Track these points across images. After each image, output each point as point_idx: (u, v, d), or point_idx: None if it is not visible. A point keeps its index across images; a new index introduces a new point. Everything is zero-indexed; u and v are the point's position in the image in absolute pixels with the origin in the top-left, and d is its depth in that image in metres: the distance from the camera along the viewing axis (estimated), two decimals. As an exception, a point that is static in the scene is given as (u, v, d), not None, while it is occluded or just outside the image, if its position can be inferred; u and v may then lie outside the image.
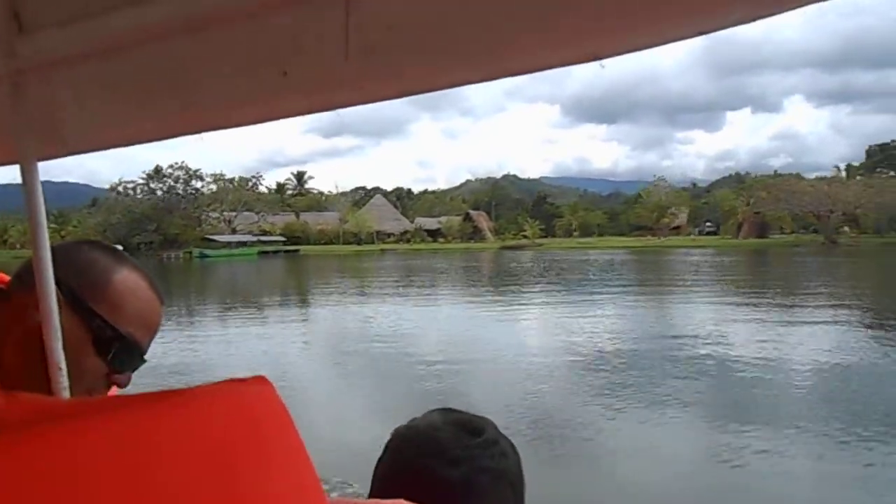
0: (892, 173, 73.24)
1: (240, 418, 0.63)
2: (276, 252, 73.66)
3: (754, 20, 0.95)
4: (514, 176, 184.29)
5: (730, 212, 76.90)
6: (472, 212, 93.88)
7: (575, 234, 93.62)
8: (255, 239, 77.21)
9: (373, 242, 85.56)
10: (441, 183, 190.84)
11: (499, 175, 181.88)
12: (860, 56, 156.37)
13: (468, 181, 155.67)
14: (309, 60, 1.04)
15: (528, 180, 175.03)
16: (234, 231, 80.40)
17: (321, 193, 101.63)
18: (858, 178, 76.16)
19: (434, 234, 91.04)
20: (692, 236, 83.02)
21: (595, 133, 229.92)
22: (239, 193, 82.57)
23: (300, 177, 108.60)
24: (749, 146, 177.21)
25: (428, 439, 0.83)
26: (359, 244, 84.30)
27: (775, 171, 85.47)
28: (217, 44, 0.99)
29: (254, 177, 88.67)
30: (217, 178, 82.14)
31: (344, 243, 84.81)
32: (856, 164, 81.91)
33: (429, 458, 0.81)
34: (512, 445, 0.85)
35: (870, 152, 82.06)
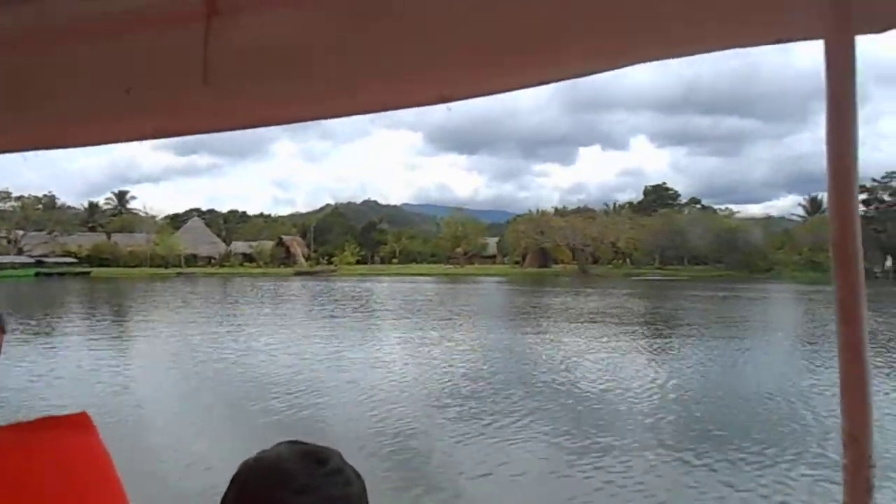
0: (662, 211, 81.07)
1: (54, 461, 0.57)
2: (61, 274, 71.39)
3: (584, 75, 1.16)
4: (375, 201, 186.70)
5: (515, 243, 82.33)
6: (285, 237, 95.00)
7: (394, 260, 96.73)
8: (32, 260, 74.43)
9: (180, 265, 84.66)
10: (301, 206, 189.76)
11: (360, 200, 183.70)
12: (696, 102, 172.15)
13: (328, 205, 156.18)
14: (163, 83, 1.05)
15: (390, 206, 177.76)
16: (20, 251, 77.19)
17: (136, 214, 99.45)
18: (633, 215, 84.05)
19: (250, 258, 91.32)
20: (502, 265, 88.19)
21: (456, 162, 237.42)
22: (27, 212, 79.53)
23: (121, 196, 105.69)
24: (599, 181, 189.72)
25: (275, 470, 0.84)
26: (166, 267, 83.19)
27: (582, 206, 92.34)
28: (60, 59, 0.96)
29: (45, 195, 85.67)
30: (2, 197, 78.83)
31: (153, 266, 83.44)
32: (636, 202, 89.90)
33: (276, 489, 0.83)
34: (357, 473, 0.89)
35: (646, 192, 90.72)
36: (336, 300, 36.74)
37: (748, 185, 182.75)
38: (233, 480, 0.87)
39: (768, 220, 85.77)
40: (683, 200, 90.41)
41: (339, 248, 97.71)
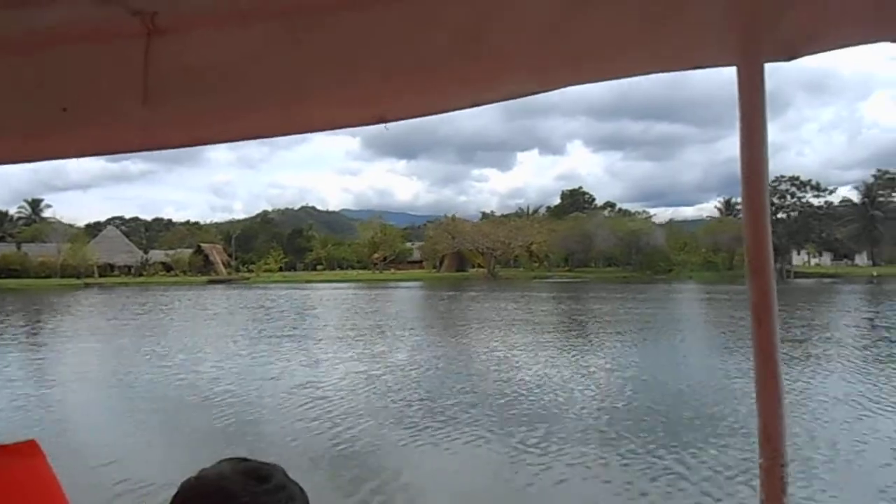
0: (573, 215, 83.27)
1: (4, 490, 0.56)
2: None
3: (517, 97, 1.22)
4: (314, 207, 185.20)
5: (432, 247, 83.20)
6: (204, 245, 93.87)
7: (320, 267, 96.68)
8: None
9: (93, 276, 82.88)
10: (239, 213, 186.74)
11: (298, 206, 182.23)
12: (630, 108, 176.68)
13: (265, 211, 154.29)
14: (101, 100, 1.04)
15: (328, 212, 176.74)
16: None
17: (50, 223, 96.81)
18: (550, 219, 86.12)
19: (169, 267, 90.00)
20: (421, 269, 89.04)
21: (395, 167, 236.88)
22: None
23: (35, 205, 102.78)
24: (537, 185, 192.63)
25: (217, 489, 0.84)
26: (78, 277, 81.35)
27: (520, 210, 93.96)
28: None
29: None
30: None
31: (63, 276, 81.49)
32: (553, 206, 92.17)
33: None
34: (300, 488, 0.89)
35: (563, 196, 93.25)
36: (215, 313, 36.72)
37: (681, 188, 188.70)
38: (173, 500, 0.86)
39: (682, 222, 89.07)
40: (599, 204, 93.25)
41: (264, 255, 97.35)
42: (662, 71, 1.18)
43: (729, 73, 1.06)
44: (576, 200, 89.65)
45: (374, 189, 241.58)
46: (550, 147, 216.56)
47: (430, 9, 0.96)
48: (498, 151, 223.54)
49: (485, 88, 1.19)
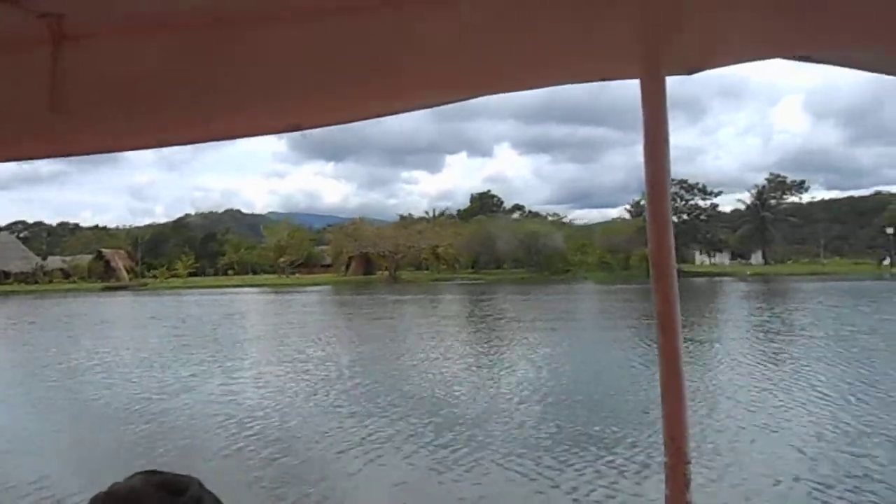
0: (483, 217, 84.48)
1: None
2: None
3: (429, 107, 1.22)
4: (238, 210, 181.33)
5: (335, 251, 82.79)
6: (105, 251, 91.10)
7: (230, 272, 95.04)
8: None
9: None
10: (160, 216, 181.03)
11: (222, 209, 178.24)
12: (555, 112, 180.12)
13: (188, 215, 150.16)
14: (7, 108, 1.00)
15: (253, 215, 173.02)
16: None
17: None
18: (460, 221, 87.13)
19: (67, 273, 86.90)
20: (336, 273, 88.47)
21: (323, 170, 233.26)
22: None
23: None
24: (467, 187, 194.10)
25: None
26: (-31, 285, 77.80)
27: (440, 213, 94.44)
28: None
29: None
30: None
31: (-47, 284, 77.80)
32: (462, 209, 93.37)
33: None
34: (217, 500, 0.85)
35: (472, 199, 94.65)
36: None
37: (606, 189, 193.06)
38: None
39: (586, 224, 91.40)
40: (508, 206, 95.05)
41: (174, 260, 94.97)
42: (572, 82, 1.24)
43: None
44: (485, 203, 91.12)
45: (302, 191, 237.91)
46: (479, 149, 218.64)
47: (347, 23, 0.96)
48: (427, 154, 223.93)
49: (397, 98, 1.24)
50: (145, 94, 1.06)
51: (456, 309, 36.20)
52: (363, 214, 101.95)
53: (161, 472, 0.86)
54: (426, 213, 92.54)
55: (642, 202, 73.10)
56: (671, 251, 1.06)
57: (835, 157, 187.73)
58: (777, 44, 1.10)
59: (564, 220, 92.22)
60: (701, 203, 77.45)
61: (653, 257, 1.04)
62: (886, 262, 75.59)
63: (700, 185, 75.82)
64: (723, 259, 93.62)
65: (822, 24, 1.02)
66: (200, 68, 1.01)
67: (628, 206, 79.62)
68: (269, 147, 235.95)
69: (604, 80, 1.17)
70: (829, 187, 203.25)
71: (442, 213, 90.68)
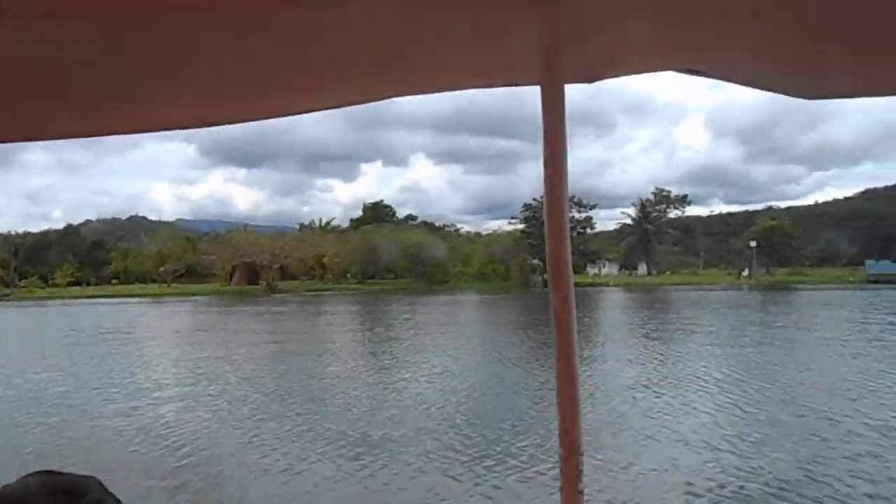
0: (369, 227, 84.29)
1: None
2: None
3: (341, 107, 1.24)
4: (144, 217, 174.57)
5: (211, 260, 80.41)
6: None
7: (114, 281, 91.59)
8: None
9: None
10: (59, 221, 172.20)
11: (126, 215, 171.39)
12: (469, 123, 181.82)
13: (88, 221, 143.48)
14: None
15: (162, 222, 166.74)
16: None
17: None
18: (352, 231, 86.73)
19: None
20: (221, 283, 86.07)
21: (235, 176, 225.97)
22: None
23: None
24: (382, 196, 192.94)
25: None
26: None
27: (302, 225, 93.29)
28: None
29: None
30: None
31: None
32: (354, 218, 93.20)
33: None
34: (118, 501, 0.80)
35: (365, 208, 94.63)
36: None
37: (520, 200, 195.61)
38: None
39: (476, 234, 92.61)
40: (401, 216, 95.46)
41: (55, 269, 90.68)
42: (476, 87, 1.24)
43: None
44: (377, 213, 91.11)
45: (213, 198, 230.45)
46: (394, 159, 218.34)
47: (258, 17, 0.95)
48: (342, 162, 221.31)
49: (308, 97, 1.23)
50: (53, 81, 1.03)
51: (282, 322, 35.90)
52: (276, 222, 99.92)
53: (59, 473, 0.79)
54: (312, 221, 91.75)
55: (524, 213, 74.14)
56: (568, 253, 1.08)
57: (733, 174, 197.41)
58: (669, 56, 1.15)
59: (470, 230, 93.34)
60: (576, 215, 79.76)
61: (550, 259, 1.07)
62: (745, 273, 79.93)
63: (576, 199, 78.08)
64: (612, 269, 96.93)
65: (708, 40, 1.07)
66: (109, 58, 0.98)
67: (511, 218, 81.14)
68: (178, 152, 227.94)
69: (507, 85, 1.20)
70: (729, 202, 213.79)
71: (328, 223, 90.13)
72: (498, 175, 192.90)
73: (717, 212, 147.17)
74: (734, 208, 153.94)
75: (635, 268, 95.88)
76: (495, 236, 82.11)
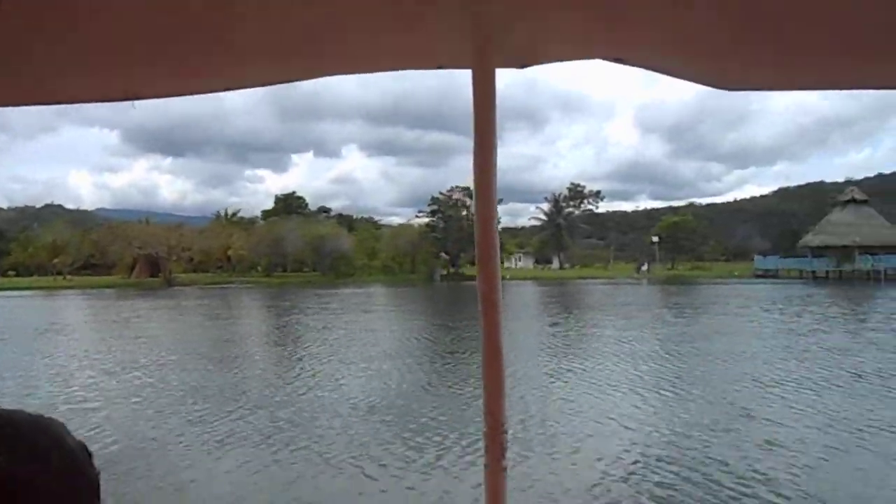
0: (276, 219, 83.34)
1: None
2: None
3: (269, 84, 1.22)
4: (60, 206, 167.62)
5: (102, 252, 77.91)
6: None
7: (11, 273, 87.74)
8: None
9: None
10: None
11: (41, 204, 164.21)
12: (403, 115, 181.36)
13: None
14: None
15: (80, 211, 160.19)
16: None
17: None
18: (263, 222, 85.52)
19: None
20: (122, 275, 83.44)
21: (161, 165, 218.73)
22: None
23: None
24: (313, 187, 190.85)
25: None
26: None
27: (232, 213, 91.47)
28: None
29: None
30: None
31: None
32: (266, 210, 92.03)
33: None
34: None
35: (276, 200, 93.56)
36: None
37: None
38: None
39: (399, 227, 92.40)
40: (314, 208, 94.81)
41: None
42: (408, 68, 1.22)
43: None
44: (289, 204, 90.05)
45: (137, 187, 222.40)
46: (326, 150, 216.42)
47: None
48: (272, 152, 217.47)
49: (236, 74, 1.19)
50: None
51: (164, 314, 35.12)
52: (203, 213, 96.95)
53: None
54: (218, 213, 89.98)
55: (430, 207, 74.11)
56: (495, 239, 1.09)
57: (660, 170, 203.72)
58: (598, 45, 1.15)
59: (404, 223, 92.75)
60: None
61: (479, 244, 1.08)
62: (644, 267, 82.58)
63: (482, 193, 78.96)
64: (527, 263, 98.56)
65: (635, 29, 1.08)
66: (29, 25, 0.96)
67: (419, 212, 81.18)
68: (99, 139, 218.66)
69: (439, 68, 1.18)
70: (655, 198, 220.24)
71: (234, 214, 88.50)
72: (431, 168, 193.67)
73: (642, 207, 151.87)
74: (659, 204, 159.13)
75: (549, 261, 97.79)
76: (402, 229, 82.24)
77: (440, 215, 76.04)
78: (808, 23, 1.03)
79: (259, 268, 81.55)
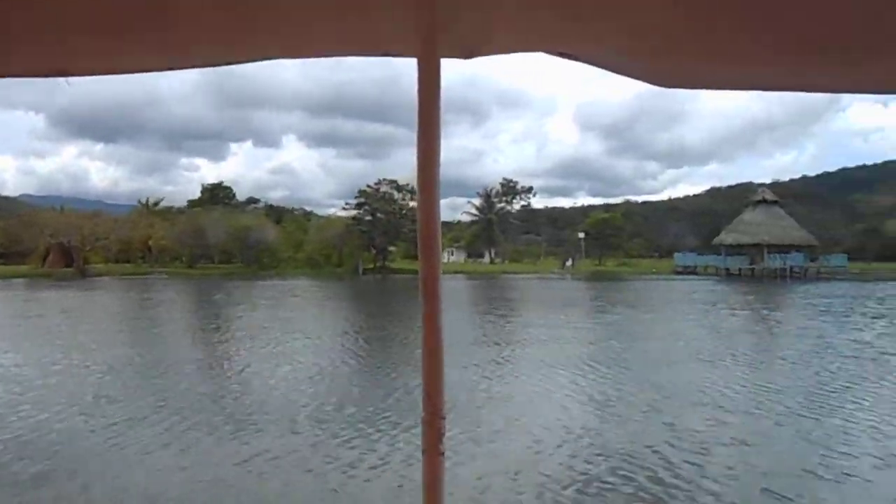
0: (198, 210, 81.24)
1: None
2: None
3: (205, 66, 1.19)
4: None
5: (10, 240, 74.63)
6: None
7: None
8: None
9: None
10: None
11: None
12: (344, 106, 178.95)
13: None
14: None
15: (4, 198, 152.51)
16: None
17: None
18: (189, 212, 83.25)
19: None
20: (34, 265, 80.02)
21: (91, 151, 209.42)
22: None
23: None
24: (252, 177, 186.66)
25: None
26: None
27: (154, 202, 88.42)
28: None
29: None
30: None
31: None
32: (192, 200, 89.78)
33: None
34: None
35: (203, 190, 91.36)
36: None
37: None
38: None
39: (326, 220, 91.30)
40: (242, 199, 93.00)
41: None
42: (353, 54, 1.19)
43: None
44: (216, 195, 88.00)
45: (65, 173, 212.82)
46: (265, 140, 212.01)
47: None
48: (209, 140, 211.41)
49: (171, 52, 1.13)
50: None
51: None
52: (134, 201, 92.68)
53: None
54: (139, 201, 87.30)
55: (357, 199, 73.28)
56: (437, 227, 1.09)
57: (598, 167, 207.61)
58: (544, 38, 1.15)
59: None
60: (412, 204, 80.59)
61: (421, 231, 1.08)
62: (569, 262, 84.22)
63: (409, 187, 78.82)
64: (459, 257, 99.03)
65: (581, 24, 1.09)
66: None
67: (346, 204, 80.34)
68: (23, 122, 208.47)
69: (384, 55, 1.17)
70: (594, 194, 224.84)
71: (156, 203, 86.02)
72: (372, 160, 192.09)
73: (580, 204, 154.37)
74: (597, 201, 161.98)
75: (481, 255, 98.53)
76: (329, 222, 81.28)
77: (367, 208, 75.51)
78: (748, 27, 1.04)
79: (183, 259, 79.47)
